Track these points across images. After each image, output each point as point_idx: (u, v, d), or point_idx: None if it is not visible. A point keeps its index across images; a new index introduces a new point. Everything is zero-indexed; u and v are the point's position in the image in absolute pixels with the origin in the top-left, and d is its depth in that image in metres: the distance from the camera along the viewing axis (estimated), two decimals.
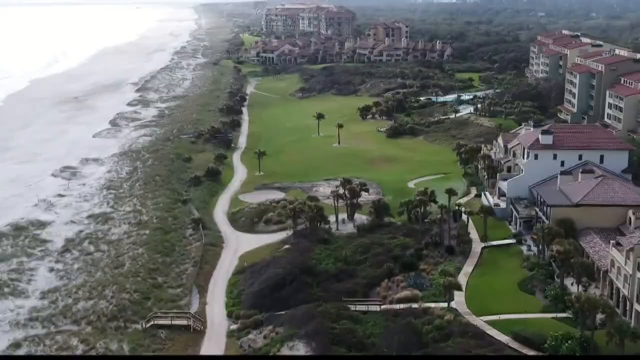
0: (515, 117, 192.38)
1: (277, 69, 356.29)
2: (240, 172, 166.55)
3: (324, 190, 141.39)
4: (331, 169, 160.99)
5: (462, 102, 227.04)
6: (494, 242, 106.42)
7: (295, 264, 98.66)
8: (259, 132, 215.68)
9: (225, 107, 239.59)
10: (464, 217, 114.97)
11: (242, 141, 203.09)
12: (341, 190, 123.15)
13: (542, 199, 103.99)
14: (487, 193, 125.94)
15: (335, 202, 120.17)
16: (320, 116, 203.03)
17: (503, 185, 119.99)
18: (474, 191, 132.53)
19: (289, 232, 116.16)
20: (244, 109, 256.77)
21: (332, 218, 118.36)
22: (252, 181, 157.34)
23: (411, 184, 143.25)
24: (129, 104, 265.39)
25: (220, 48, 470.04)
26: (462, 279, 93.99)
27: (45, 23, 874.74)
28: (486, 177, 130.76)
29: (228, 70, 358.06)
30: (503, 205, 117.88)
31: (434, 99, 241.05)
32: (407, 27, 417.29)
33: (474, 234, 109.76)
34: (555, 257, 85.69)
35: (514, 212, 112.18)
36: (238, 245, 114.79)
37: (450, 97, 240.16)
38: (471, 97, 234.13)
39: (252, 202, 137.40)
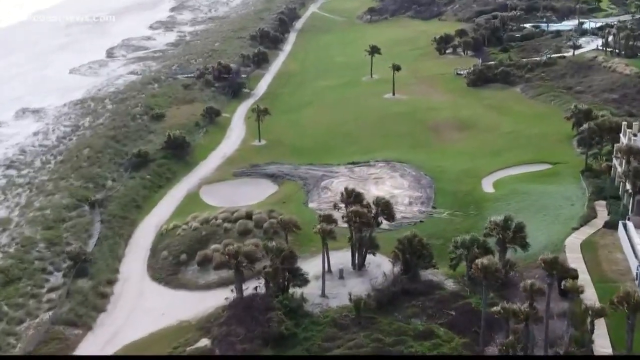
0: None
1: None
2: (233, 138, 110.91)
3: (337, 186, 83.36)
4: (367, 141, 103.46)
5: (584, 33, 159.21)
6: None
7: None
8: (293, 71, 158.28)
9: (258, 33, 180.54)
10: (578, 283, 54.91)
11: (264, 84, 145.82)
12: (340, 213, 64.77)
13: None
14: (629, 225, 64.04)
15: (323, 239, 61.27)
16: (374, 50, 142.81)
17: None
18: (602, 212, 70.60)
19: (232, 295, 59.64)
20: (291, 36, 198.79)
21: (318, 262, 61.09)
22: (242, 156, 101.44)
23: (487, 184, 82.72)
24: (150, 27, 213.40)
25: None
26: None
27: None
28: (629, 189, 68.28)
29: None
30: None
31: (543, 26, 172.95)
32: None
33: (601, 338, 50.17)
34: None
35: None
36: (124, 322, 58.85)
37: (568, 25, 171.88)
38: (598, 25, 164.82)
39: (216, 205, 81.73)
